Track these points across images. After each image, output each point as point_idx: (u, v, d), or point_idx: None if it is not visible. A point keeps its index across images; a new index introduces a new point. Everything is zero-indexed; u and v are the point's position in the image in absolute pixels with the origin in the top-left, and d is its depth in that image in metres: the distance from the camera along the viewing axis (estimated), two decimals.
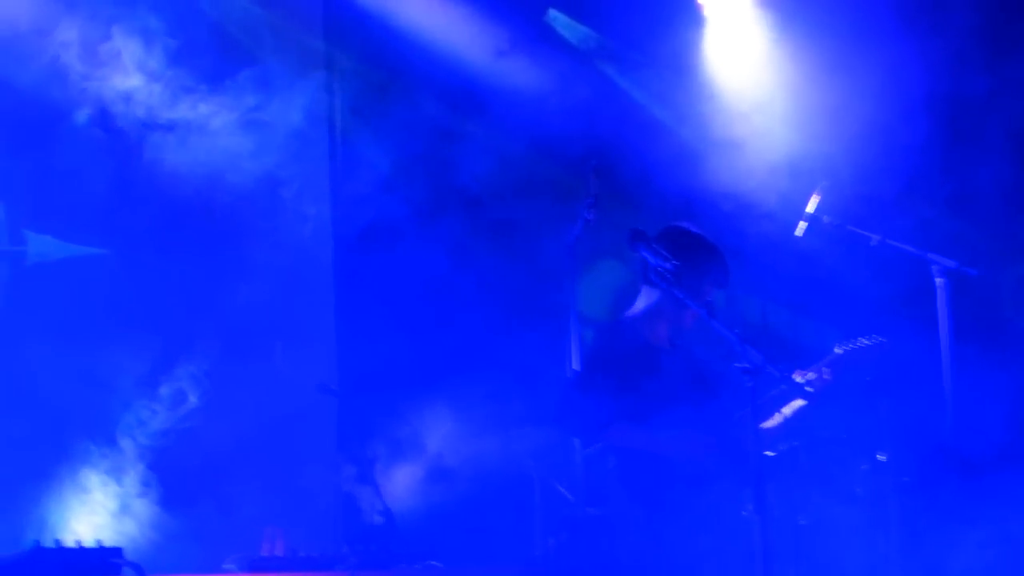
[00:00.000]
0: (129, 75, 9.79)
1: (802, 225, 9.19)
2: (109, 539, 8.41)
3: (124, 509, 9.73)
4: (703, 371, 7.88)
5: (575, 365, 8.05)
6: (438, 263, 10.40)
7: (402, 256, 10.42)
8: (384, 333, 10.43)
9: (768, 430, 7.82)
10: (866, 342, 8.36)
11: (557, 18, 10.82)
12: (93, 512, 9.66)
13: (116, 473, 9.76)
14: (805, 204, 9.20)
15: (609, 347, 7.73)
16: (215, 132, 9.94)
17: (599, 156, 8.60)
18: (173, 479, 9.84)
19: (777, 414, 7.86)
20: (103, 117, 9.90)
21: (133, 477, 9.78)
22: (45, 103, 9.84)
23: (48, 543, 7.00)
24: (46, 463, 9.72)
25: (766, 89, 10.56)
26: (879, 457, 8.85)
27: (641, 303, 7.88)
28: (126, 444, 9.80)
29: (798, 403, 7.85)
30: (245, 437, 10.13)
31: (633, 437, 7.60)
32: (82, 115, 9.90)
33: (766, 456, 7.55)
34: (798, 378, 7.67)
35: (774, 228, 9.89)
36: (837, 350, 8.29)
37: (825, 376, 8.06)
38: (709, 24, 10.73)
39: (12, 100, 9.83)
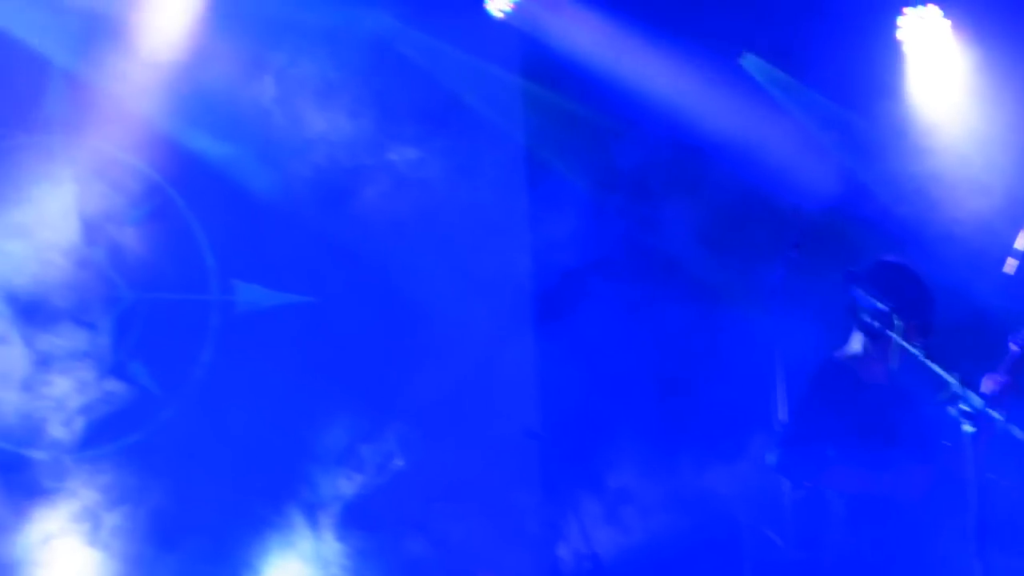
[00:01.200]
0: (336, 122, 9.94)
1: (1012, 262, 8.99)
2: None
3: (327, 564, 9.86)
4: (919, 412, 7.75)
5: (782, 406, 7.98)
6: (637, 307, 10.37)
7: (601, 300, 10.40)
8: (585, 376, 10.41)
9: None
10: None
11: (752, 62, 10.74)
12: (301, 567, 9.82)
13: (319, 526, 9.89)
14: (1013, 240, 9.01)
15: (824, 387, 7.65)
16: (420, 178, 10.06)
17: (801, 198, 8.52)
18: (377, 530, 9.93)
19: None
20: (321, 165, 10.05)
21: (335, 530, 9.91)
22: (253, 152, 10.04)
23: None
24: (252, 514, 9.88)
25: (971, 123, 10.38)
26: None
27: (856, 343, 7.78)
28: (328, 496, 9.92)
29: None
30: (450, 484, 10.18)
31: (853, 479, 7.51)
32: (291, 163, 10.06)
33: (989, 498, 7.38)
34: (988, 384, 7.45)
35: (982, 263, 9.70)
36: (1013, 347, 8.03)
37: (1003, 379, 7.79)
38: (910, 60, 10.58)
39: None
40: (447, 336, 10.26)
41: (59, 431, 9.65)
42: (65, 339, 9.71)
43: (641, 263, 10.52)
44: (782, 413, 8.64)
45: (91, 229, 9.76)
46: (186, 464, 9.95)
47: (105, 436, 9.80)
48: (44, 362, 9.65)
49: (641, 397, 10.44)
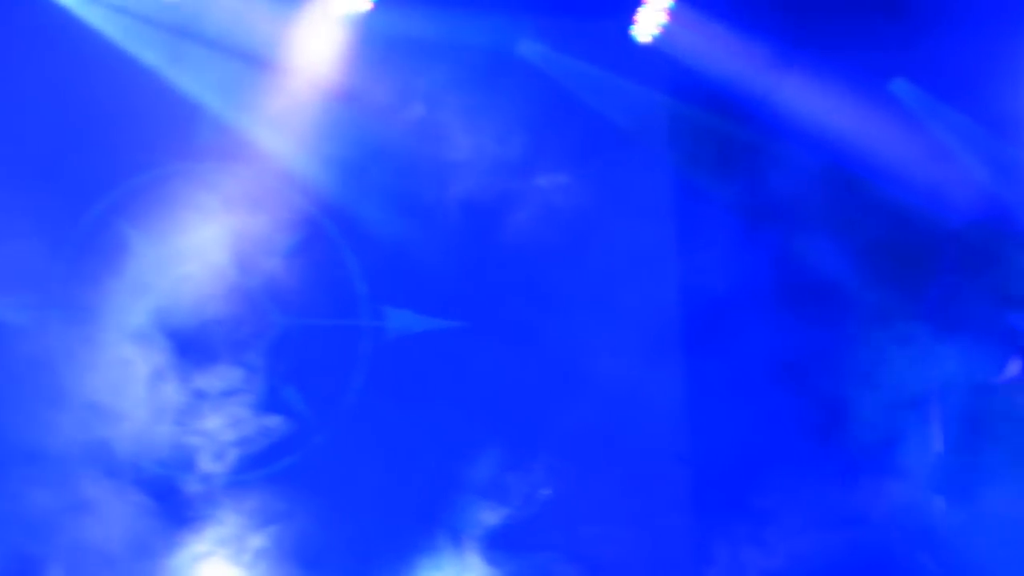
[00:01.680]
0: (485, 148, 10.00)
1: None
2: None
3: None
4: None
5: (936, 429, 7.89)
6: (786, 330, 10.29)
7: (750, 325, 10.33)
8: (733, 400, 10.35)
9: None
10: None
11: (901, 86, 10.60)
12: None
13: (466, 551, 9.93)
14: None
15: (982, 412, 7.57)
16: (569, 203, 10.07)
17: (955, 221, 8.42)
18: (525, 554, 9.94)
19: None
20: (469, 190, 10.11)
21: (482, 554, 9.93)
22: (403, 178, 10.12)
23: None
24: (399, 539, 9.95)
25: None
26: None
27: (1015, 367, 7.69)
28: (475, 521, 9.95)
29: None
30: (600, 508, 10.16)
31: (1010, 503, 7.42)
32: (440, 189, 10.13)
33: None
34: None
35: None
36: None
37: None
38: None
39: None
40: (596, 362, 10.23)
41: (212, 457, 9.79)
42: (219, 366, 9.84)
43: (792, 287, 10.43)
44: (937, 436, 8.53)
45: (244, 257, 9.89)
46: (333, 488, 10.02)
47: (257, 461, 9.91)
48: (197, 389, 9.79)
49: (790, 420, 10.35)
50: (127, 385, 9.68)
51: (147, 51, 9.91)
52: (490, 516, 9.96)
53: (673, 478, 10.39)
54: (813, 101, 10.33)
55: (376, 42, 10.01)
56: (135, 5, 9.87)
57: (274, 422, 9.92)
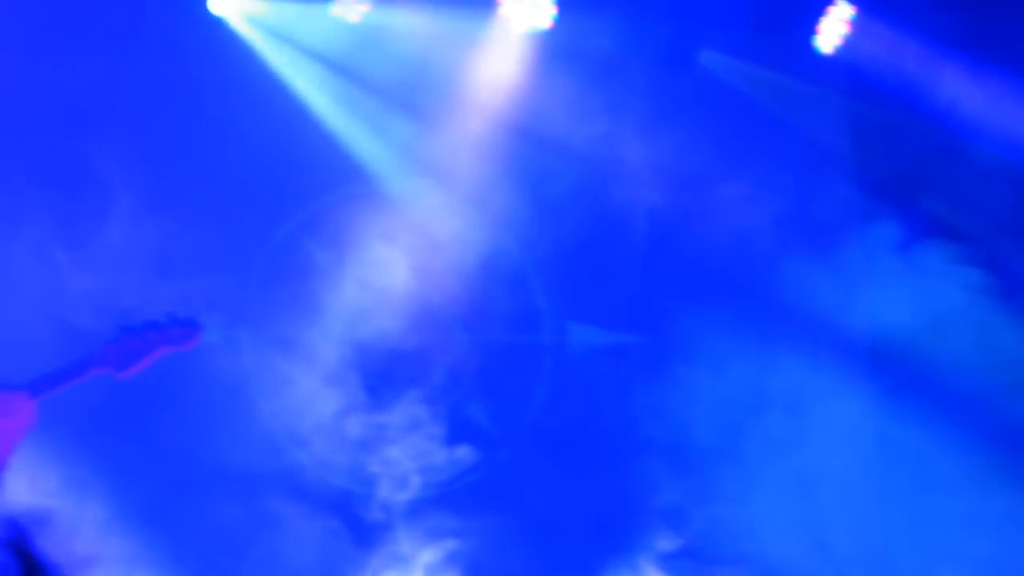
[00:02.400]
0: (664, 159, 9.96)
1: None
2: None
3: None
4: None
5: None
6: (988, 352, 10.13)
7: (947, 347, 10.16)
8: (924, 424, 10.18)
9: None
10: None
11: None
12: None
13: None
14: None
15: None
16: (750, 214, 10.00)
17: None
18: None
19: None
20: (648, 202, 10.09)
21: None
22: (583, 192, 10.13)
23: None
24: (576, 558, 9.97)
25: None
26: None
27: None
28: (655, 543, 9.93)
29: None
30: (782, 530, 10.08)
31: None
32: (619, 201, 10.13)
33: None
34: None
35: None
36: None
37: None
38: None
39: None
40: (783, 380, 10.13)
41: (397, 478, 9.87)
42: (405, 385, 9.93)
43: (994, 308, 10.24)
44: None
45: (428, 275, 9.95)
46: (512, 505, 10.05)
47: (442, 478, 9.97)
48: (385, 407, 9.87)
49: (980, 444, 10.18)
50: (314, 406, 9.80)
51: (329, 72, 10.04)
52: (669, 538, 9.93)
53: (859, 496, 10.26)
54: (999, 105, 10.16)
55: (558, 57, 10.03)
56: (317, 27, 10.00)
57: (458, 440, 9.96)
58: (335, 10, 9.90)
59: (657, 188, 10.02)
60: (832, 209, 10.29)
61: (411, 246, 9.89)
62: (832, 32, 10.24)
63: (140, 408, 9.60)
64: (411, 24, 9.87)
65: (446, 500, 9.95)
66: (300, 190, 10.03)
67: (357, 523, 9.92)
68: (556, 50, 10.05)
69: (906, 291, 10.05)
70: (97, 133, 9.69)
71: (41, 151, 9.59)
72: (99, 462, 9.39)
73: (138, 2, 9.74)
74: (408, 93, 10.00)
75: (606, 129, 10.00)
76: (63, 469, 9.12)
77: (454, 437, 9.99)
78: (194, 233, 9.60)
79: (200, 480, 9.68)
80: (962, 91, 10.13)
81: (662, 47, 10.10)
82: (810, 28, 10.25)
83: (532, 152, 10.00)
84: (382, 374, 9.92)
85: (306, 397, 9.82)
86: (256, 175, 9.94)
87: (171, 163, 9.83)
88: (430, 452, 9.89)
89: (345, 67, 10.04)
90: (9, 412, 5.70)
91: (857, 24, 10.20)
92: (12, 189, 9.45)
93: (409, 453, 9.89)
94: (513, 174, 10.02)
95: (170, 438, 9.69)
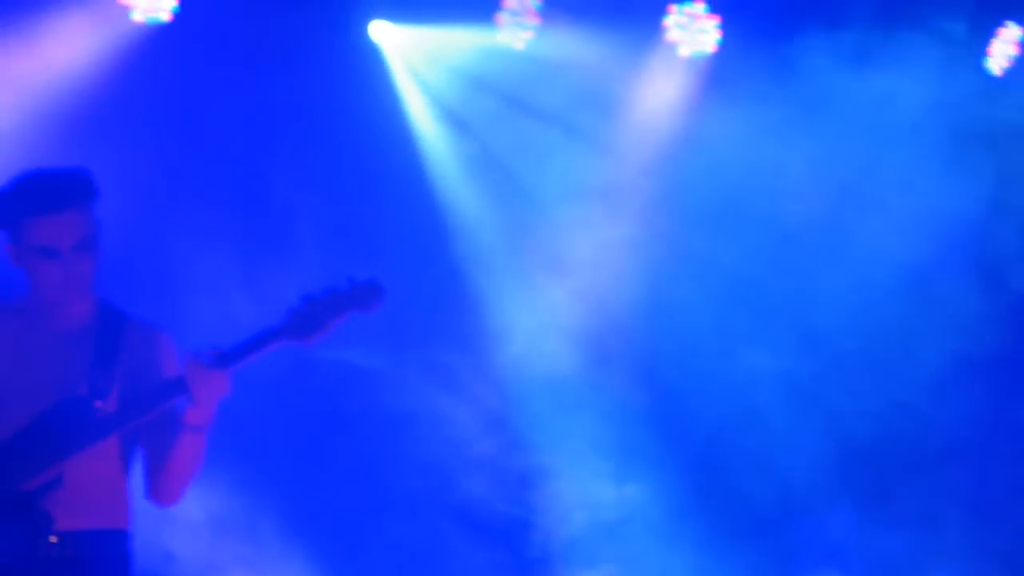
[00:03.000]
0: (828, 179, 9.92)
1: None
2: None
3: None
4: None
5: None
6: None
7: None
8: None
9: None
10: None
11: None
12: None
13: None
14: None
15: None
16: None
17: None
18: None
19: None
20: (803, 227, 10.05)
21: None
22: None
23: None
24: None
25: None
26: None
27: None
28: None
29: None
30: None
31: None
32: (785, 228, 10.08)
33: None
34: None
35: None
36: None
37: None
38: None
39: None
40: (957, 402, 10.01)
41: (562, 509, 9.88)
42: (570, 414, 9.92)
43: None
44: None
45: (593, 301, 9.90)
46: (674, 533, 9.99)
47: (611, 512, 9.95)
48: (550, 437, 9.89)
49: None
50: (480, 438, 9.81)
51: (493, 99, 10.10)
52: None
53: None
54: None
55: (721, 82, 10.01)
56: (481, 55, 10.07)
57: (626, 474, 9.92)
58: (500, 37, 9.97)
59: (825, 204, 9.94)
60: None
61: (579, 275, 9.88)
62: (1001, 54, 10.17)
63: (311, 429, 9.71)
64: (576, 50, 9.90)
65: (611, 532, 9.92)
66: (466, 219, 10.08)
67: (522, 555, 9.92)
68: (719, 76, 10.04)
69: None
70: (265, 163, 9.82)
71: (217, 180, 9.75)
72: (270, 479, 9.50)
73: (298, 34, 9.84)
74: (573, 119, 10.01)
75: (772, 154, 9.94)
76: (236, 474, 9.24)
77: (622, 471, 9.94)
78: (366, 262, 9.68)
79: (366, 507, 9.75)
80: None
81: (816, 65, 10.02)
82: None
83: (700, 180, 9.96)
84: (554, 405, 9.91)
85: (472, 429, 9.84)
86: (421, 204, 10.01)
87: (338, 194, 9.95)
88: (597, 487, 9.87)
89: (509, 94, 10.09)
90: (205, 381, 5.72)
91: None
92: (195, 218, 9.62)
93: (575, 487, 9.88)
94: (680, 198, 10.00)
95: (340, 462, 9.76)
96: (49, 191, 5.92)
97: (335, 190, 9.91)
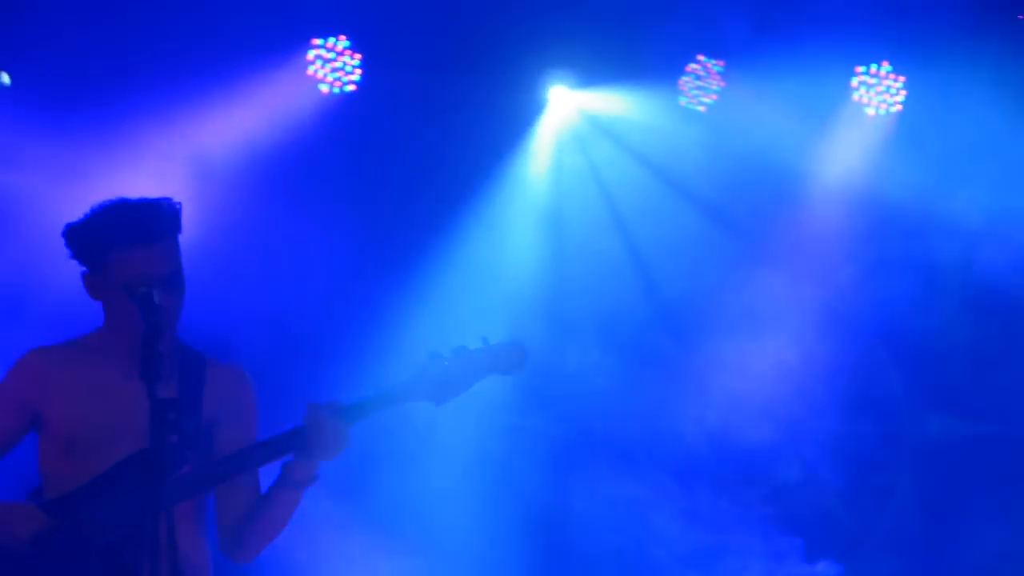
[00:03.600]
0: None
1: None
2: None
3: None
4: None
5: None
6: None
7: None
8: None
9: None
10: None
11: None
12: None
13: None
14: None
15: None
16: None
17: None
18: None
19: None
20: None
21: None
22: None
23: None
24: None
25: None
26: None
27: None
28: None
29: None
30: None
31: None
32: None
33: None
34: None
35: None
36: None
37: None
38: None
39: None
40: None
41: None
42: (768, 471, 9.80)
43: None
44: None
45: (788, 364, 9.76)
46: None
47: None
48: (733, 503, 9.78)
49: None
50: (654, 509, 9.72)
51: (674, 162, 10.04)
52: None
53: None
54: None
55: (906, 139, 9.87)
56: (660, 118, 10.04)
57: (818, 545, 9.75)
58: (682, 101, 9.92)
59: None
60: None
61: (769, 337, 9.75)
62: None
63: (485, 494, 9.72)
64: (760, 112, 9.81)
65: None
66: (646, 284, 10.03)
67: None
68: (906, 133, 9.89)
69: None
70: (447, 222, 9.91)
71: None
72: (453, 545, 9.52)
73: (476, 100, 9.89)
74: (755, 181, 9.91)
75: (962, 208, 9.74)
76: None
77: (814, 544, 9.78)
78: (548, 325, 9.70)
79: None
80: None
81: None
82: None
83: (888, 238, 9.82)
84: (746, 466, 9.80)
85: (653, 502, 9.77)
86: (610, 271, 9.99)
87: (518, 255, 9.97)
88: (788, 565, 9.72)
89: (687, 157, 10.02)
90: (328, 437, 5.41)
91: None
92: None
93: (764, 565, 9.74)
94: (868, 259, 9.85)
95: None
96: (138, 222, 5.47)
97: (517, 251, 9.92)
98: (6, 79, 9.24)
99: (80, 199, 5.71)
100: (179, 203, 5.57)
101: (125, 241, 5.46)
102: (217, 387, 5.64)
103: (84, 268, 5.57)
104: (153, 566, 4.91)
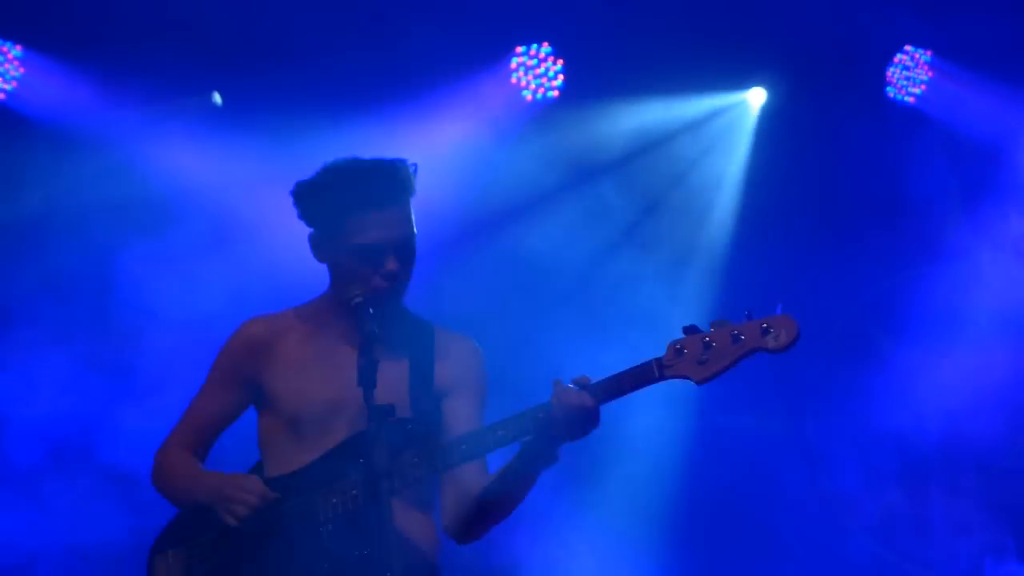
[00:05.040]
0: None
1: None
2: None
3: None
4: None
5: None
6: None
7: None
8: None
9: None
10: None
11: None
12: None
13: None
14: None
15: None
16: None
17: None
18: None
19: None
20: None
21: None
22: None
23: None
24: None
25: None
26: None
27: None
28: None
29: None
30: None
31: None
32: None
33: None
34: None
35: None
36: None
37: None
38: None
39: None
40: None
41: None
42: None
43: None
44: None
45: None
46: None
47: None
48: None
49: None
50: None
51: None
52: None
53: None
54: None
55: None
56: None
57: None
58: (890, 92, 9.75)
59: None
60: None
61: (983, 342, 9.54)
62: None
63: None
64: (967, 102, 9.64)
65: None
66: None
67: None
68: None
69: None
70: None
71: None
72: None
73: None
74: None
75: None
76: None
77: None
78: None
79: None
80: None
81: None
82: None
83: None
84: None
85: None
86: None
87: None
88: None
89: None
90: (582, 414, 4.91)
91: None
92: None
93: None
94: None
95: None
96: (374, 184, 5.21)
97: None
98: (218, 99, 9.38)
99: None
100: (414, 164, 5.33)
101: (360, 203, 5.22)
102: (448, 357, 5.39)
103: (311, 228, 5.37)
104: (382, 548, 4.81)
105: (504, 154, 9.64)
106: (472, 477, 5.25)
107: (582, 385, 4.99)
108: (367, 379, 4.84)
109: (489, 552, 8.77)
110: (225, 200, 9.03)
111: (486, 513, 5.28)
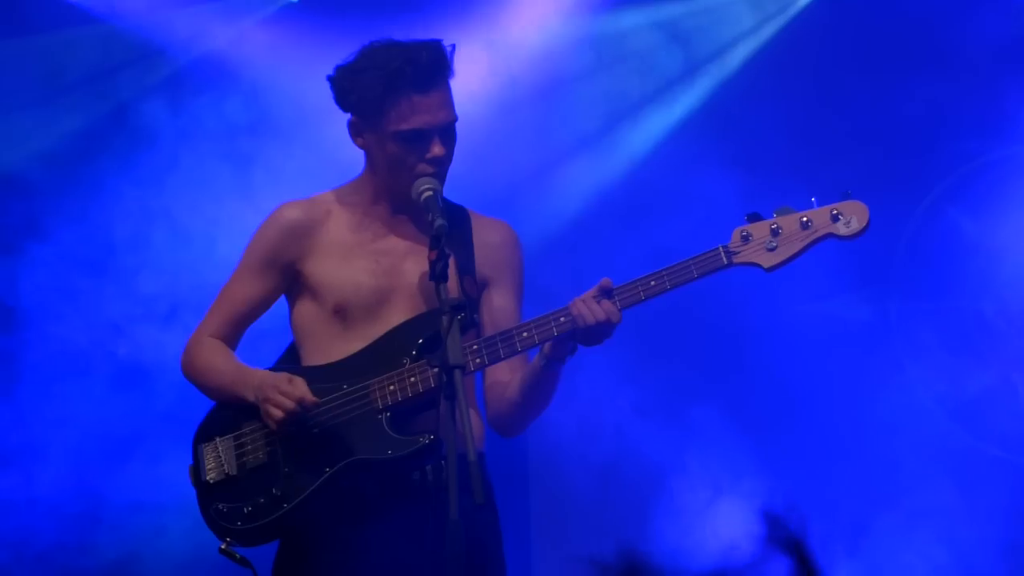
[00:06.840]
0: None
1: None
2: None
3: None
4: None
5: None
6: None
7: None
8: None
9: None
10: None
11: None
12: None
13: None
14: None
15: None
16: None
17: None
18: None
19: None
20: None
21: None
22: None
23: None
24: None
25: None
26: None
27: None
28: None
29: None
30: None
31: None
32: None
33: None
34: None
35: None
36: None
37: None
38: None
39: None
40: None
41: None
42: None
43: None
44: None
45: None
46: None
47: None
48: None
49: None
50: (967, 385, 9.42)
51: None
52: None
53: None
54: None
55: None
56: None
57: None
58: None
59: None
60: None
61: None
62: None
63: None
64: None
65: None
66: (945, 155, 9.54)
67: None
68: None
69: None
70: None
71: None
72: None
73: None
74: None
75: None
76: None
77: None
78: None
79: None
80: None
81: None
82: None
83: None
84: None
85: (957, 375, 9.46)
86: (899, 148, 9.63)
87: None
88: None
89: None
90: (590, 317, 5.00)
91: None
92: None
93: None
94: None
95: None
96: (416, 66, 5.12)
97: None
98: None
99: None
100: (452, 44, 5.25)
101: (402, 86, 5.17)
102: (486, 245, 5.41)
103: (349, 114, 5.33)
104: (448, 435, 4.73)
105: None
106: (507, 372, 5.32)
107: (606, 290, 5.00)
108: (440, 273, 4.82)
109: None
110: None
111: (527, 409, 5.34)
